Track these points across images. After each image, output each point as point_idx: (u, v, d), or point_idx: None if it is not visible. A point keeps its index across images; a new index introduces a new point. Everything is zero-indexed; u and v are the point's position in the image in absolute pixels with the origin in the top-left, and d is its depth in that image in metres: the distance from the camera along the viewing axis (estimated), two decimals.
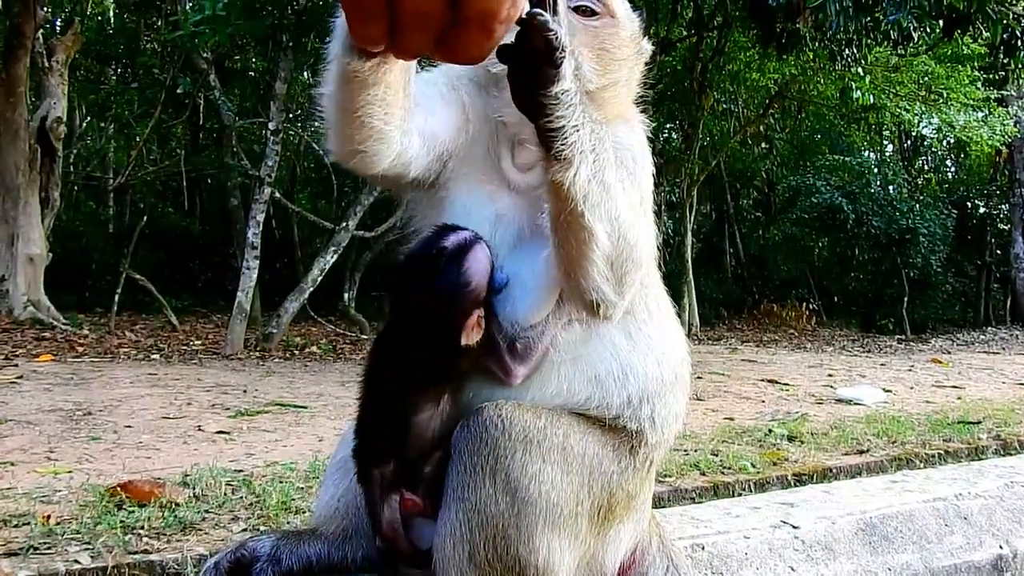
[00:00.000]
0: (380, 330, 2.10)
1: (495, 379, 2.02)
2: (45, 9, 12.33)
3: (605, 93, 1.99)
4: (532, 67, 1.57)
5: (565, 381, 2.05)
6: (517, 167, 2.02)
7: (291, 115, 16.61)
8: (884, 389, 8.76)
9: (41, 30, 12.09)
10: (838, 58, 11.75)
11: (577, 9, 1.98)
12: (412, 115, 1.91)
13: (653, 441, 2.13)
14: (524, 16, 1.44)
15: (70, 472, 4.23)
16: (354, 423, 2.09)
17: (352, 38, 1.53)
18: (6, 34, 11.96)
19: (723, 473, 4.77)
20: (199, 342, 11.40)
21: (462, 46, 1.13)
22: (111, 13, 18.17)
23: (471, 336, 1.92)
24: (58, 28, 14.69)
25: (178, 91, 13.82)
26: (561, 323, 2.02)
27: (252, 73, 17.25)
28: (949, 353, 14.74)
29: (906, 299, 20.14)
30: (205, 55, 12.39)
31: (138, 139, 15.75)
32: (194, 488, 3.87)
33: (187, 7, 11.29)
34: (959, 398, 8.50)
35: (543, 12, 1.49)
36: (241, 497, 3.83)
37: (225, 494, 3.84)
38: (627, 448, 2.11)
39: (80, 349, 9.82)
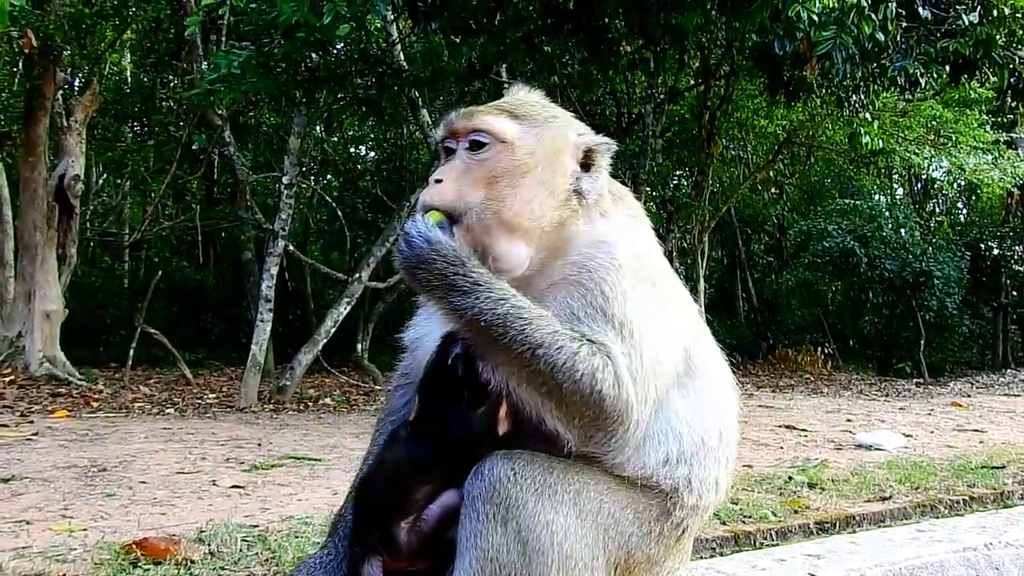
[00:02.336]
0: (412, 419, 2.22)
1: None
2: (64, 70, 12.59)
3: (513, 213, 2.12)
4: None
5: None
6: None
7: (304, 169, 16.80)
8: (904, 434, 8.63)
9: (60, 91, 12.34)
10: (846, 104, 11.81)
11: (471, 145, 2.16)
12: None
13: (689, 505, 2.10)
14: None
15: (85, 530, 4.19)
16: (356, 493, 2.23)
17: None
18: (26, 96, 12.21)
19: (744, 522, 4.68)
20: (213, 396, 11.40)
21: None
22: (128, 73, 18.56)
23: (505, 426, 2.06)
24: (77, 88, 15.00)
25: (193, 147, 14.04)
26: None
27: (266, 128, 17.52)
28: (968, 396, 14.55)
29: (922, 342, 19.97)
30: (220, 112, 12.59)
31: (154, 195, 15.96)
32: (209, 544, 3.83)
33: (202, 66, 11.50)
34: (981, 442, 8.36)
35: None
36: (257, 553, 3.79)
37: (240, 550, 3.80)
38: (655, 512, 2.08)
39: (95, 404, 9.83)
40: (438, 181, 2.16)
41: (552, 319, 1.98)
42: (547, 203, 2.15)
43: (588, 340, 1.97)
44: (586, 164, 2.24)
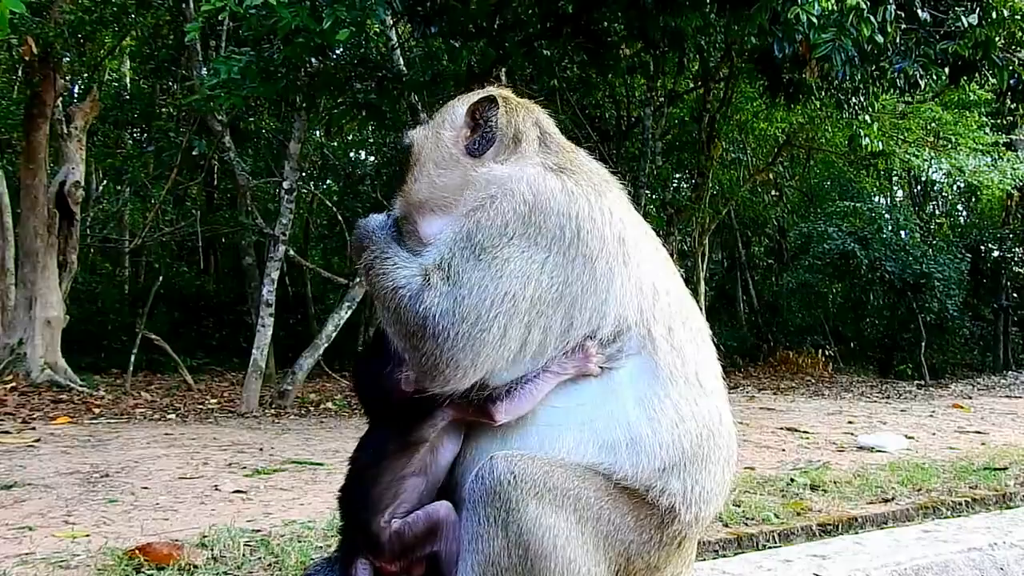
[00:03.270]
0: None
1: (490, 432, 2.06)
2: (64, 77, 12.60)
3: (423, 196, 2.35)
4: None
5: (575, 442, 2.06)
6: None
7: (304, 174, 16.82)
8: (906, 436, 8.63)
9: (60, 98, 12.36)
10: (845, 106, 11.83)
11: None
12: None
13: (686, 519, 2.09)
14: None
15: (88, 536, 4.19)
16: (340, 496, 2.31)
17: None
18: (26, 103, 12.23)
19: (746, 524, 4.68)
20: (214, 401, 11.40)
21: None
22: (128, 79, 18.58)
23: (409, 384, 2.13)
24: (77, 95, 15.02)
25: (193, 153, 14.03)
26: (557, 378, 2.08)
27: (266, 134, 17.52)
28: (970, 398, 14.54)
29: (923, 344, 19.96)
30: (220, 118, 12.60)
31: (154, 201, 15.98)
32: (212, 549, 3.83)
33: (202, 72, 11.52)
34: (983, 444, 8.36)
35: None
36: (260, 558, 3.79)
37: (243, 555, 3.80)
38: (654, 521, 2.07)
39: (97, 411, 9.83)
40: None
41: (403, 256, 2.19)
42: (436, 174, 2.32)
43: (419, 266, 2.12)
44: (476, 125, 2.35)
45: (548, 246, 2.06)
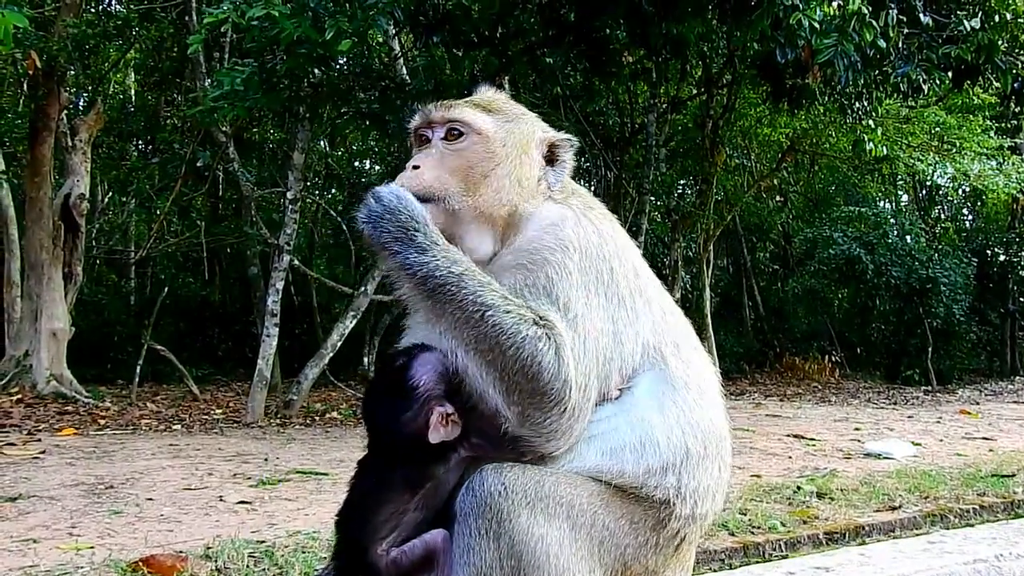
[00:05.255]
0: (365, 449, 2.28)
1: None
2: (69, 90, 12.66)
3: (484, 201, 2.22)
4: None
5: (579, 452, 2.06)
6: None
7: (308, 184, 16.84)
8: (913, 442, 8.59)
9: (65, 111, 12.41)
10: (849, 111, 11.83)
11: (447, 135, 2.29)
12: None
13: (684, 514, 2.08)
14: None
15: (92, 548, 4.19)
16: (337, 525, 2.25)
17: None
18: (31, 116, 12.28)
19: (752, 533, 4.66)
20: (220, 411, 11.40)
21: None
22: (132, 92, 18.66)
23: (440, 433, 2.05)
24: (81, 108, 15.08)
25: (198, 164, 14.06)
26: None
27: (270, 144, 17.57)
28: (977, 404, 14.48)
29: (930, 349, 19.87)
30: (224, 129, 12.63)
31: (159, 212, 16.00)
32: (216, 561, 3.83)
33: (206, 83, 11.56)
34: (991, 450, 8.31)
35: None
36: (264, 569, 3.78)
37: (248, 566, 3.79)
38: (650, 522, 2.07)
39: (102, 422, 9.83)
40: (415, 167, 2.26)
41: (500, 288, 2.04)
42: (514, 192, 2.25)
43: (534, 312, 2.01)
44: (551, 159, 2.34)
45: (597, 290, 2.12)
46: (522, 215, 2.24)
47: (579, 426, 2.01)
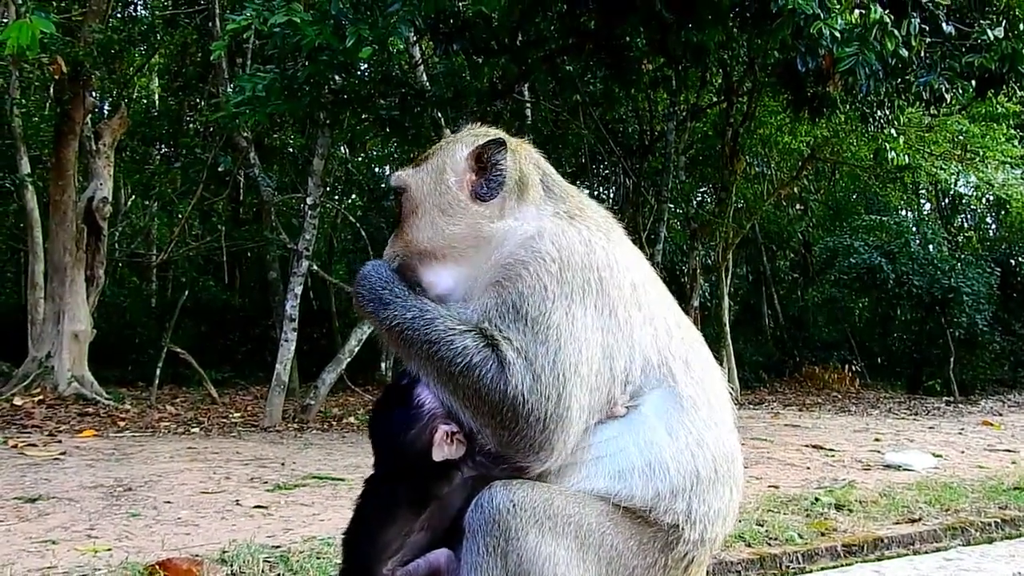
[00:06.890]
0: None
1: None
2: (93, 95, 12.81)
3: (426, 242, 2.28)
4: None
5: (586, 474, 2.05)
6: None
7: (328, 189, 16.94)
8: (934, 454, 8.50)
9: (89, 115, 12.55)
10: (870, 120, 11.74)
11: (395, 199, 2.44)
12: None
13: (692, 539, 2.07)
14: None
15: (109, 550, 4.22)
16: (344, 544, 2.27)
17: None
18: (56, 120, 12.44)
19: (769, 544, 4.62)
20: (238, 415, 11.47)
21: None
22: (156, 97, 18.86)
23: (444, 451, 2.08)
24: (105, 112, 15.26)
25: (219, 169, 14.19)
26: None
27: (290, 150, 17.69)
28: (1000, 415, 14.30)
29: (952, 359, 19.67)
30: (245, 134, 12.74)
31: (180, 216, 16.16)
32: (232, 565, 3.85)
33: (228, 89, 11.66)
34: (1014, 462, 8.21)
35: None
36: (279, 574, 3.80)
37: (263, 571, 3.81)
38: (658, 544, 2.05)
39: (122, 424, 9.92)
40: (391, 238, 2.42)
41: (453, 319, 2.08)
42: (443, 222, 2.27)
43: (481, 334, 2.03)
44: (482, 168, 2.28)
45: (582, 300, 2.09)
46: (493, 234, 2.22)
47: (562, 439, 1.99)
